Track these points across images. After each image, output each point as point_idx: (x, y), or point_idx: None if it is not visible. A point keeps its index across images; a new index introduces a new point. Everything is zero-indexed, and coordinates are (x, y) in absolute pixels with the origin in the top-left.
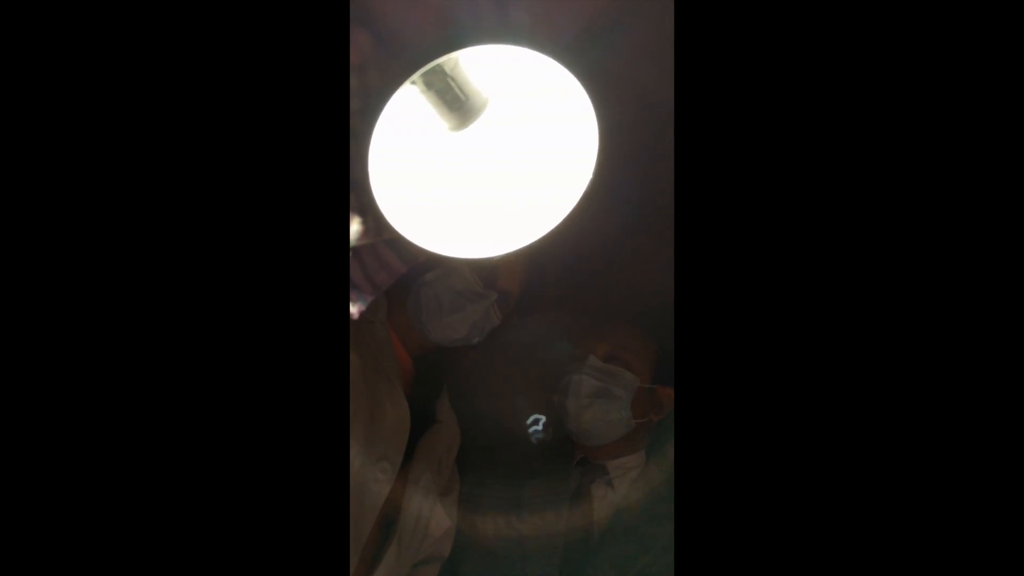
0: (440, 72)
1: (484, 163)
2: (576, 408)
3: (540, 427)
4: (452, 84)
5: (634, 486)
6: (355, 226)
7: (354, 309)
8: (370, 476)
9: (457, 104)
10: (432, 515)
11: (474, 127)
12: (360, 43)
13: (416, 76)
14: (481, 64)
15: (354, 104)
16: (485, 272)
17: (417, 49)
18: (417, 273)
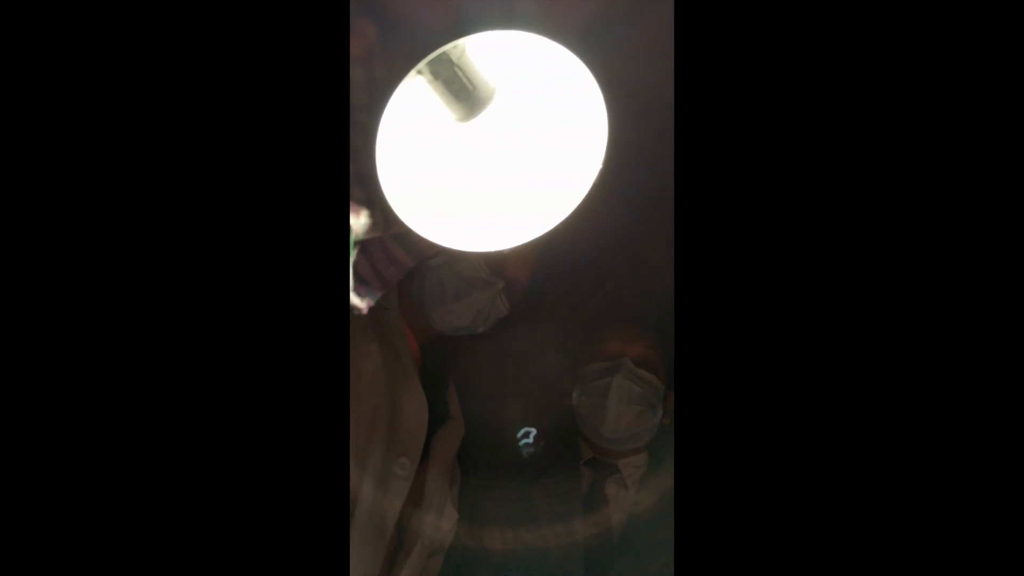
0: (447, 61)
1: (492, 154)
2: (617, 413)
3: (531, 440)
4: (459, 73)
5: (644, 484)
6: (363, 220)
7: (363, 304)
8: (390, 472)
9: (464, 94)
10: (444, 509)
11: (482, 117)
12: (366, 33)
13: (422, 65)
14: (488, 52)
15: (361, 96)
16: (493, 259)
17: (423, 37)
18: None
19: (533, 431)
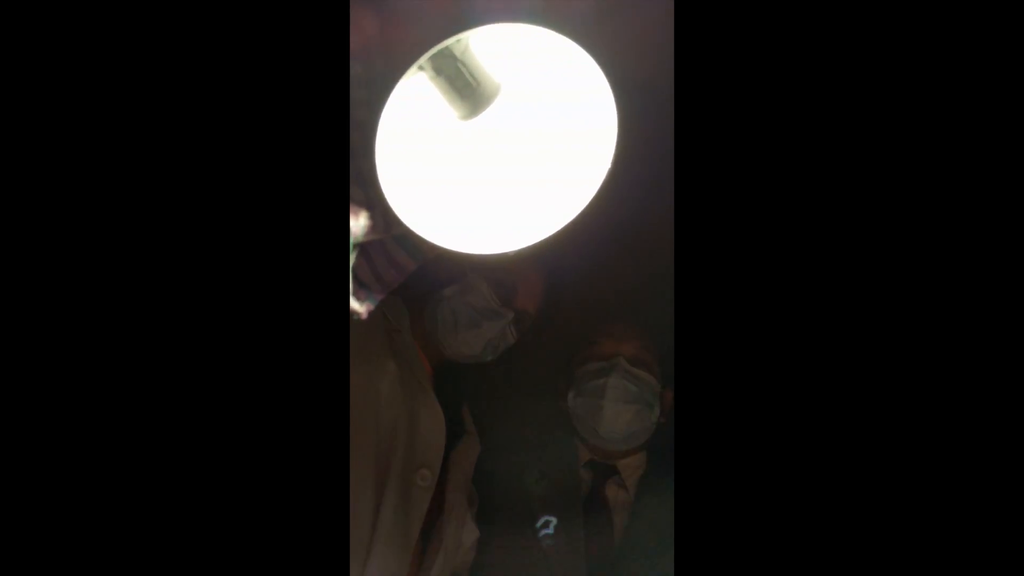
0: (449, 56)
1: (497, 153)
2: (614, 413)
3: (551, 530)
4: (462, 69)
5: (643, 485)
6: (363, 221)
7: (363, 308)
8: (411, 484)
9: (468, 90)
10: (464, 525)
11: (486, 114)
12: (365, 26)
13: (424, 60)
14: (493, 46)
15: (360, 93)
16: (504, 289)
17: (424, 31)
18: (432, 274)
19: (553, 520)
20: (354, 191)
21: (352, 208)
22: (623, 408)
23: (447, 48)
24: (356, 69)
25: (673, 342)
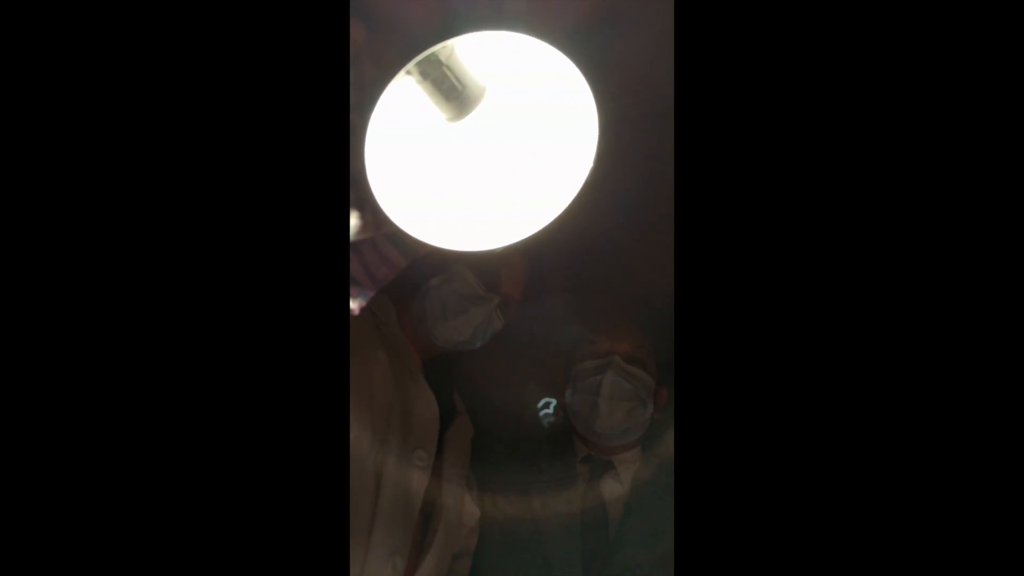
0: (435, 61)
1: (483, 153)
2: (609, 409)
3: (551, 410)
4: (448, 73)
5: (638, 479)
6: (353, 220)
7: (355, 305)
8: (408, 464)
9: (454, 94)
10: (464, 504)
11: (472, 116)
12: (353, 33)
13: (411, 66)
14: (477, 52)
15: (350, 96)
16: (488, 276)
17: (411, 38)
18: (418, 268)
19: (553, 401)
20: None
21: None
22: (618, 405)
23: (433, 54)
24: None
25: (667, 340)
